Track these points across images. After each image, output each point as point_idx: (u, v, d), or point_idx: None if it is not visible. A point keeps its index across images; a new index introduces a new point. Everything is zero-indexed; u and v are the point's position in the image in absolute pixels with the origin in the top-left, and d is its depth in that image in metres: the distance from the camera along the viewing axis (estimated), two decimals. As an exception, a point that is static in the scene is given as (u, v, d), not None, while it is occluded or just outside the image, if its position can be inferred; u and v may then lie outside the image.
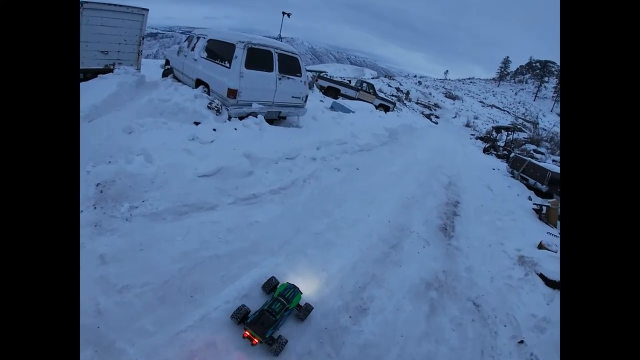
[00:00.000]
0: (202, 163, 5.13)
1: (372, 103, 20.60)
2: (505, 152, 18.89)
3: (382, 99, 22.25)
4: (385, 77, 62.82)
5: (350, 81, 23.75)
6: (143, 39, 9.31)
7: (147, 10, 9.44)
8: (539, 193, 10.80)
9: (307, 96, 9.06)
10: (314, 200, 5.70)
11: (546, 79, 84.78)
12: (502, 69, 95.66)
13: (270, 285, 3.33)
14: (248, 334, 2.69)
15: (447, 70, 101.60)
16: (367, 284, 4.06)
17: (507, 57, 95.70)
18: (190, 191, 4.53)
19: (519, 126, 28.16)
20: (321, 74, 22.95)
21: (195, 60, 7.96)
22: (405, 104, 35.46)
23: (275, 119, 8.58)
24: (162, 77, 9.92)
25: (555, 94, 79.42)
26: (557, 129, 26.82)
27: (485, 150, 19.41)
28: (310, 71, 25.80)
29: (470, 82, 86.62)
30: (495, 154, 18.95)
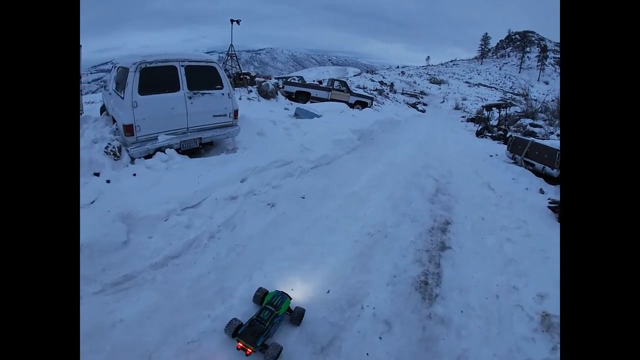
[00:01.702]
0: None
1: (347, 102, 18.53)
2: (500, 132, 16.64)
3: (358, 95, 20.05)
4: (368, 72, 61.71)
5: (321, 82, 21.56)
6: (80, 77, 7.63)
7: (79, 46, 8.14)
8: (550, 179, 8.52)
9: (236, 111, 7.26)
10: (216, 269, 3.65)
11: (528, 49, 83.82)
12: (483, 47, 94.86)
13: (260, 296, 3.14)
14: (241, 344, 2.62)
15: (428, 57, 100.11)
16: None
17: (486, 33, 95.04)
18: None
19: (509, 101, 26.04)
20: (288, 79, 20.89)
21: (110, 94, 6.84)
22: (388, 96, 33.45)
23: (197, 148, 6.77)
24: (100, 114, 8.23)
25: (539, 63, 77.96)
26: (550, 98, 24.74)
27: (479, 134, 17.04)
28: (278, 78, 23.73)
29: (454, 65, 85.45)
30: (490, 136, 16.64)
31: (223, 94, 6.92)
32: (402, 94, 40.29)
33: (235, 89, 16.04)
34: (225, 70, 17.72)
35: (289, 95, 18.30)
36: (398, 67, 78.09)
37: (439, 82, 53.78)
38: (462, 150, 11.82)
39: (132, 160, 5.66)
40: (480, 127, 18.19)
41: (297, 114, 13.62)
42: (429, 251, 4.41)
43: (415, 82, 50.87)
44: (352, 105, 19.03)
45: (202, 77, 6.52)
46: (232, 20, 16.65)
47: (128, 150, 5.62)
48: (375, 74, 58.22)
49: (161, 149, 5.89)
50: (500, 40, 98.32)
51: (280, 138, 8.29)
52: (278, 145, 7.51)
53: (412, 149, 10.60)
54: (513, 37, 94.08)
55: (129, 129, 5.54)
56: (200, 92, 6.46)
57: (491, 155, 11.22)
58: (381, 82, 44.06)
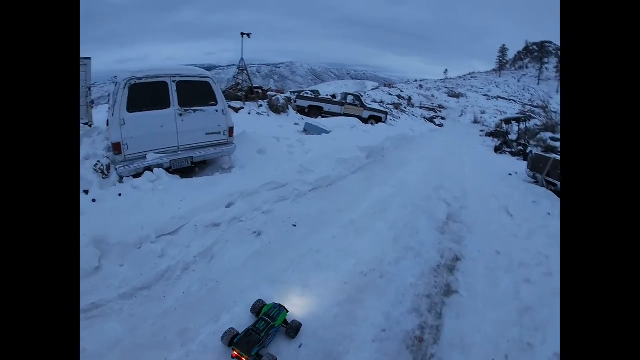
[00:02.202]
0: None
1: (360, 117, 18.00)
2: (520, 147, 15.78)
3: (372, 109, 19.48)
4: (385, 86, 61.19)
5: (334, 96, 21.11)
6: (90, 90, 7.78)
7: (89, 59, 8.16)
8: (576, 202, 7.74)
9: (231, 129, 6.91)
10: (184, 306, 3.32)
11: (546, 60, 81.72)
12: (501, 58, 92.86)
13: (257, 308, 3.12)
14: (236, 353, 2.63)
15: (446, 70, 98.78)
16: None
17: (504, 45, 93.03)
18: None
19: (528, 113, 25.06)
20: (301, 94, 20.53)
21: (109, 109, 6.68)
22: (404, 110, 32.79)
23: (190, 167, 6.38)
24: (107, 126, 8.12)
25: (558, 73, 75.63)
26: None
27: (497, 150, 16.18)
28: (292, 92, 23.42)
29: (472, 77, 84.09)
30: (509, 152, 15.79)
31: (217, 111, 6.58)
32: (420, 107, 39.51)
33: (245, 103, 15.73)
34: (237, 84, 17.49)
35: (301, 110, 17.88)
36: (416, 80, 77.17)
37: (458, 96, 52.75)
38: (479, 168, 11.06)
39: (121, 179, 5.42)
40: (499, 142, 17.32)
41: (306, 130, 13.16)
42: (430, 297, 3.73)
43: (433, 96, 50.00)
44: (366, 120, 18.47)
45: (195, 93, 6.23)
46: (242, 34, 16.45)
47: (116, 169, 5.39)
48: (393, 87, 57.64)
49: (150, 168, 5.60)
50: (517, 52, 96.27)
51: (281, 156, 7.79)
52: (276, 165, 6.99)
53: (425, 167, 9.91)
54: (531, 48, 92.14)
55: (116, 147, 5.36)
56: (192, 108, 6.18)
57: (510, 174, 10.43)
58: (399, 96, 43.33)
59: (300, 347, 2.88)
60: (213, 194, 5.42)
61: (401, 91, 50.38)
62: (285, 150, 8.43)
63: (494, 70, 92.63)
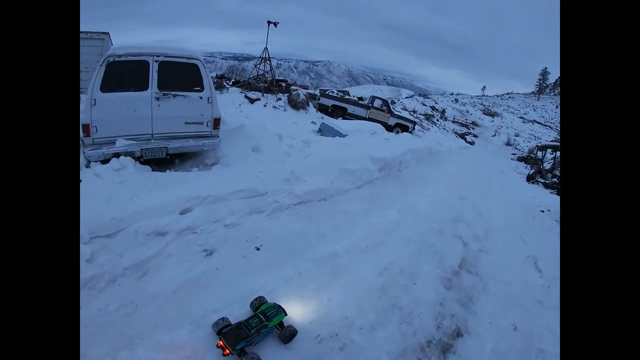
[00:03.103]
0: None
1: (386, 123, 16.77)
2: (555, 179, 14.17)
3: (399, 117, 18.15)
4: (420, 95, 59.61)
5: (361, 99, 19.90)
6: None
7: (107, 34, 8.47)
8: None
9: (216, 120, 6.05)
10: (92, 327, 2.78)
11: (588, 90, 77.96)
12: (541, 82, 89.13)
13: (256, 304, 3.04)
14: (221, 343, 2.55)
15: (484, 86, 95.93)
16: None
17: (545, 68, 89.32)
18: None
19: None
20: (326, 92, 19.45)
21: None
22: (436, 123, 31.23)
23: (164, 158, 5.69)
24: None
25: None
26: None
27: (530, 179, 14.58)
28: (321, 90, 22.29)
29: (509, 97, 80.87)
30: (542, 183, 14.17)
31: (201, 98, 5.69)
32: (453, 122, 37.86)
33: (264, 95, 14.79)
34: (258, 75, 16.52)
35: (324, 109, 16.81)
36: (452, 93, 74.95)
37: (493, 114, 50.42)
38: (507, 199, 9.54)
39: (88, 163, 5.06)
40: (532, 171, 15.66)
41: (321, 130, 12.10)
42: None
43: (468, 112, 47.96)
44: (391, 128, 17.23)
45: (179, 76, 5.57)
46: (269, 22, 15.48)
47: (84, 152, 5.02)
48: (428, 98, 56.07)
49: (119, 156, 5.15)
50: (559, 77, 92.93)
51: (276, 158, 6.73)
52: (264, 167, 5.91)
53: (446, 190, 8.54)
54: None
55: (85, 129, 4.97)
56: (172, 93, 5.46)
57: (542, 211, 8.95)
58: (432, 107, 41.86)
59: None
60: (170, 195, 4.44)
61: (436, 102, 48.90)
62: (284, 151, 7.36)
63: (532, 93, 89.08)
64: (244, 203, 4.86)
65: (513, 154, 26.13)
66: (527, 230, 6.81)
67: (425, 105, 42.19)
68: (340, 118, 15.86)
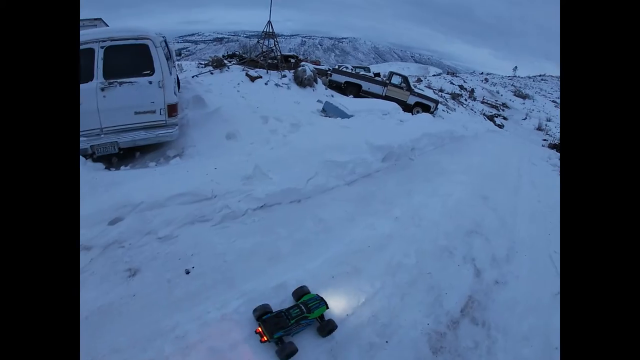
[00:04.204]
0: None
1: (405, 102, 15.12)
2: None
3: (420, 95, 16.33)
4: (448, 74, 56.80)
5: (378, 75, 18.11)
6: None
7: (100, 19, 8.28)
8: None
9: (171, 106, 5.19)
10: None
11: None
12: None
13: (299, 294, 3.00)
14: (260, 330, 2.58)
15: (515, 67, 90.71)
16: None
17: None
18: None
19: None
20: (340, 67, 17.78)
21: None
22: (462, 103, 29.07)
23: (119, 154, 5.19)
24: None
25: None
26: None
27: (566, 171, 12.69)
28: (339, 66, 20.54)
29: (542, 80, 76.01)
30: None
31: (151, 83, 4.85)
32: (482, 102, 35.48)
33: (269, 72, 13.37)
34: (269, 50, 15.03)
35: (337, 86, 15.26)
36: (482, 73, 71.05)
37: (524, 97, 47.17)
38: (540, 199, 7.79)
39: None
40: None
41: (325, 110, 10.64)
42: None
43: (498, 92, 45.12)
44: (411, 107, 15.54)
45: (127, 61, 4.91)
46: (271, -7, 13.74)
47: None
48: (457, 76, 53.24)
49: None
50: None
51: (249, 147, 5.38)
52: (223, 161, 4.57)
53: (466, 187, 6.89)
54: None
55: None
56: (118, 81, 4.82)
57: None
58: (461, 86, 39.40)
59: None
60: (102, 201, 3.51)
61: (464, 81, 46.15)
62: (264, 137, 5.98)
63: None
64: (185, 210, 3.78)
65: (544, 140, 24.05)
66: (559, 248, 5.24)
67: (454, 84, 39.63)
68: (352, 96, 14.28)
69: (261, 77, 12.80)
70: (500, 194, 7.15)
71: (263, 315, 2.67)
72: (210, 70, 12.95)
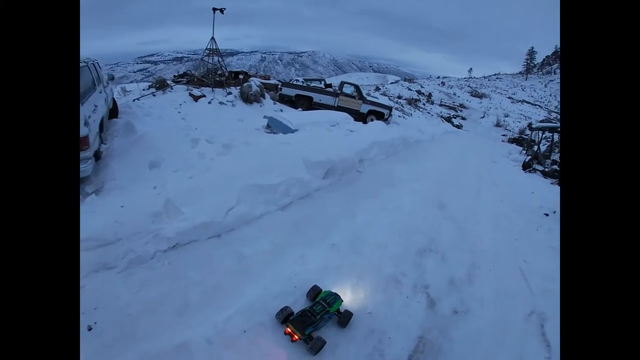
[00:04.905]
0: None
1: (358, 110, 14.67)
2: (555, 166, 12.11)
3: (373, 103, 15.95)
4: (405, 80, 57.54)
5: (330, 85, 17.64)
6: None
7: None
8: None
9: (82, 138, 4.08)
10: None
11: (575, 67, 77.62)
12: (528, 62, 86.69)
13: (313, 294, 3.10)
14: (289, 330, 2.64)
15: (471, 68, 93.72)
16: None
17: (532, 47, 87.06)
18: None
19: (552, 120, 21.45)
20: (290, 81, 17.22)
21: None
22: (419, 108, 29.14)
23: None
24: None
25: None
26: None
27: (526, 167, 12.42)
28: (290, 80, 20.00)
29: (497, 78, 78.79)
30: (541, 171, 12.04)
31: None
32: (440, 105, 36.08)
33: (213, 90, 12.62)
34: (216, 69, 14.28)
35: (288, 100, 14.66)
36: (439, 77, 72.84)
37: (481, 96, 48.55)
38: (502, 200, 7.29)
39: None
40: (528, 157, 13.46)
41: (270, 126, 9.97)
42: None
43: (455, 94, 46.14)
44: (364, 116, 15.10)
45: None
46: (214, 9, 13.08)
47: None
48: (414, 82, 54.07)
49: None
50: (546, 56, 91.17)
51: (171, 176, 4.61)
52: (131, 196, 3.79)
53: (418, 196, 6.30)
54: (560, 53, 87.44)
55: None
56: None
57: (547, 214, 6.81)
58: (418, 92, 39.89)
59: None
60: None
61: (421, 87, 46.88)
62: (189, 163, 5.22)
63: (520, 73, 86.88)
64: (88, 256, 2.94)
65: (503, 135, 24.45)
66: (529, 256, 4.67)
67: (411, 90, 40.11)
68: (300, 109, 13.70)
69: (205, 96, 12.02)
70: (459, 200, 6.62)
71: (288, 316, 2.77)
72: (152, 92, 12.07)
